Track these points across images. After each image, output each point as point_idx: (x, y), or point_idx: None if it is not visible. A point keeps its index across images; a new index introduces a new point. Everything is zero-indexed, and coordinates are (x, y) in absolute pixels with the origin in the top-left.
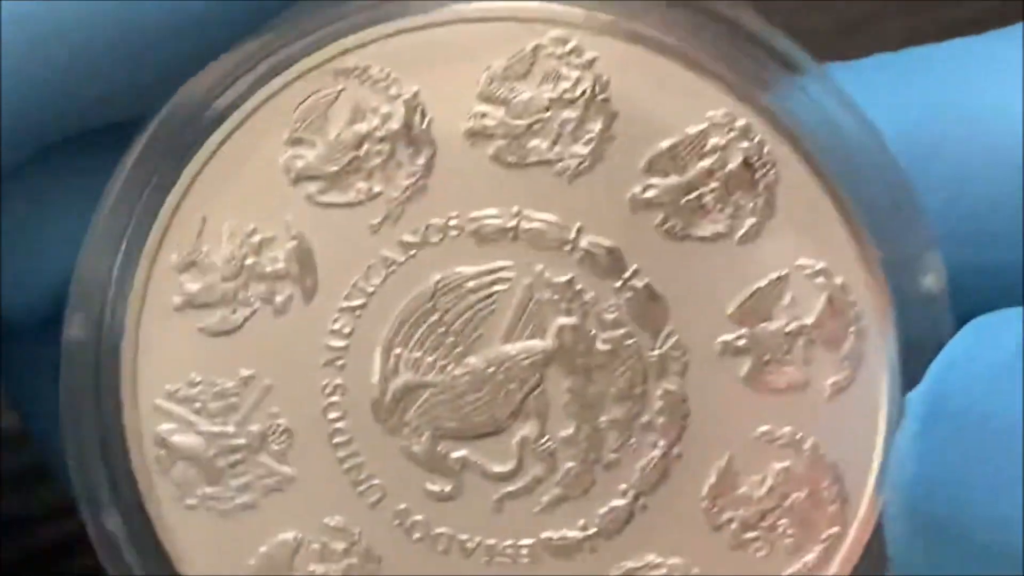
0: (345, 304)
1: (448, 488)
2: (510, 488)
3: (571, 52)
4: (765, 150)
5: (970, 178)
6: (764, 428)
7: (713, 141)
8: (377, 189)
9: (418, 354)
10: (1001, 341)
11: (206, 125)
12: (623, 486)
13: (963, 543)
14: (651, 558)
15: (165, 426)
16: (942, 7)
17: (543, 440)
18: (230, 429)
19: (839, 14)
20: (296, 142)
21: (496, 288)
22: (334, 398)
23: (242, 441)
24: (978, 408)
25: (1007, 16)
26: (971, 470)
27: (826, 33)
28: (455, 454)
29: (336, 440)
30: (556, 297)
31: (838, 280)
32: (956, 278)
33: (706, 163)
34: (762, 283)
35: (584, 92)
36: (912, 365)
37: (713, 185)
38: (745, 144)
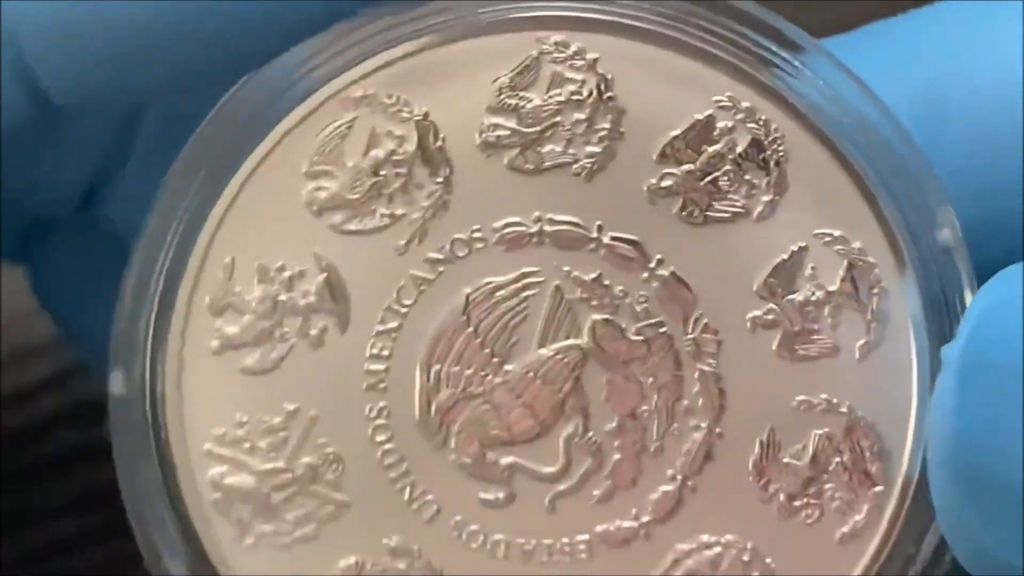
0: (380, 328)
1: (501, 495)
2: (561, 487)
3: (574, 55)
4: (772, 128)
5: (980, 136)
6: (801, 397)
7: (721, 125)
8: (400, 212)
9: (456, 368)
10: None
11: (225, 167)
12: (670, 471)
13: (1006, 490)
14: (705, 538)
15: (217, 469)
16: None
17: (588, 436)
18: (281, 464)
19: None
20: (316, 175)
21: (526, 294)
22: (380, 421)
23: (295, 474)
24: (1016, 357)
25: None
26: (1012, 418)
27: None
28: (504, 461)
29: (387, 462)
30: (586, 295)
31: (856, 245)
32: (972, 233)
33: (717, 147)
34: (784, 256)
35: (591, 93)
36: (937, 319)
37: (726, 167)
38: (752, 124)
